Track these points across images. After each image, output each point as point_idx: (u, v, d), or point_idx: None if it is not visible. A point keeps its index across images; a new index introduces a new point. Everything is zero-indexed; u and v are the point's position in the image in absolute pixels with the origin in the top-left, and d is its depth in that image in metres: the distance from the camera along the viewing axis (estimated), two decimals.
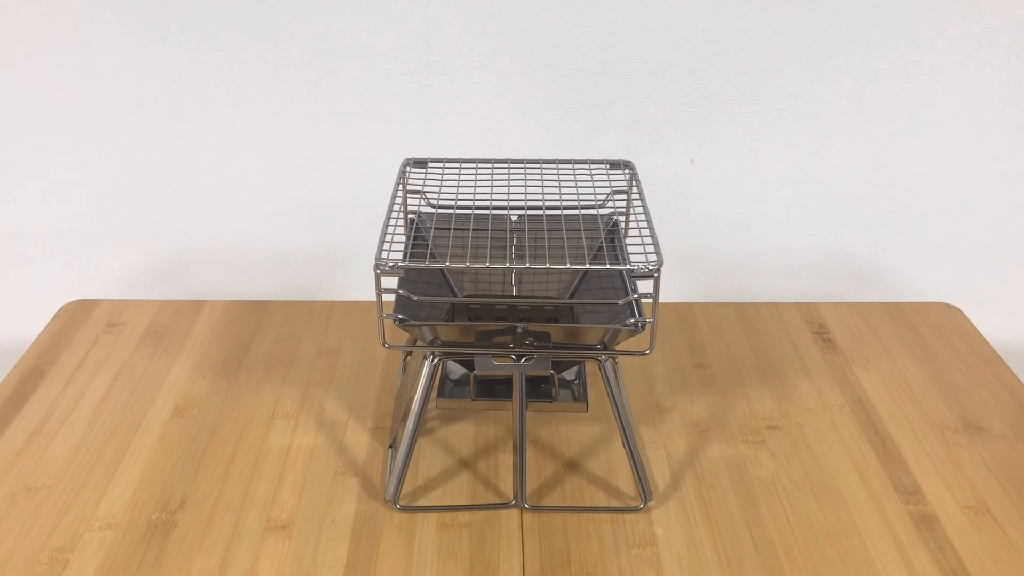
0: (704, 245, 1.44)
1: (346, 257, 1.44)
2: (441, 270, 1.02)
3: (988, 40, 1.28)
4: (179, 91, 1.30)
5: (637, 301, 0.87)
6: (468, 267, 0.80)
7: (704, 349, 1.18)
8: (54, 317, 1.23)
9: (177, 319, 1.23)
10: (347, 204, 1.39)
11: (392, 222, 0.89)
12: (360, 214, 1.38)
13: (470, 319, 0.97)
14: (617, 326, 0.85)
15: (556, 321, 0.98)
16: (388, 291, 0.85)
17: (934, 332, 1.22)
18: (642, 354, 0.86)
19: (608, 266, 0.80)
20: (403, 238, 0.95)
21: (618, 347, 0.90)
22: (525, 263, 0.82)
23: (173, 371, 1.13)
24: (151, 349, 1.17)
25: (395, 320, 0.85)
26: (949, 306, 1.27)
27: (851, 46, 1.28)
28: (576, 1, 1.25)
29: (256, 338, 1.20)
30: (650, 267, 0.81)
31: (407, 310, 0.88)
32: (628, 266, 0.81)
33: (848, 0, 1.26)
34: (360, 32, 1.26)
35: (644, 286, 0.87)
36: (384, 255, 0.82)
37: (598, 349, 0.88)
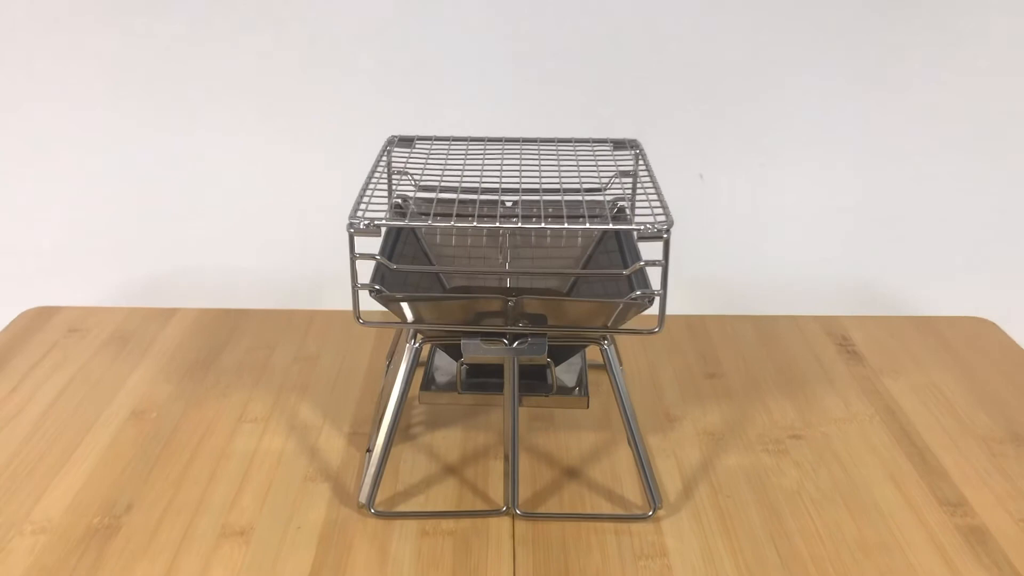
0: (716, 265, 1.34)
1: (333, 275, 1.34)
2: (429, 260, 0.93)
3: (1009, 51, 1.20)
4: (156, 95, 1.23)
5: (644, 274, 0.78)
6: (453, 225, 0.71)
7: (717, 360, 1.08)
8: (11, 322, 1.14)
9: (145, 326, 1.14)
10: (335, 219, 1.30)
11: (372, 185, 0.80)
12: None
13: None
14: (623, 299, 0.75)
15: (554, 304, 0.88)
16: (364, 256, 0.75)
17: (969, 346, 1.11)
18: (650, 332, 0.76)
19: (612, 226, 0.71)
20: (383, 214, 0.86)
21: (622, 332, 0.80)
22: (517, 223, 0.73)
23: (135, 375, 1.03)
24: (113, 353, 1.07)
25: (371, 291, 0.76)
26: (984, 320, 1.17)
27: (872, 57, 1.21)
28: None
29: (229, 345, 1.10)
30: (659, 227, 0.72)
31: (390, 289, 0.78)
32: (635, 226, 0.71)
33: (867, 13, 1.19)
34: (347, 8, 1.19)
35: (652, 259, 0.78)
36: (360, 213, 0.73)
37: (599, 330, 0.78)
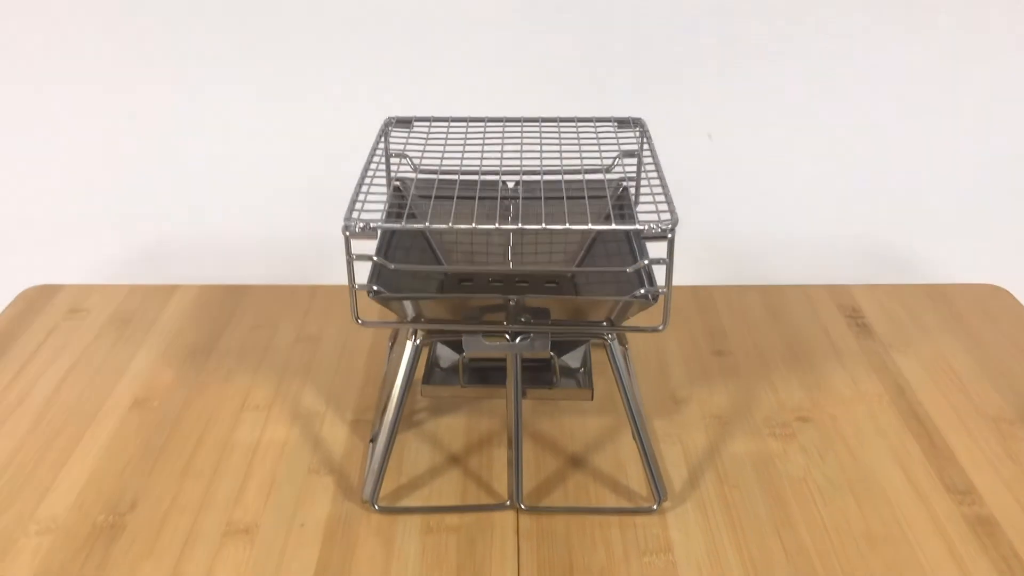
0: (723, 229, 1.32)
1: (335, 245, 1.33)
2: (429, 245, 0.91)
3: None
4: (153, 68, 1.20)
5: (648, 269, 0.76)
6: (451, 227, 0.69)
7: (725, 335, 1.07)
8: (11, 303, 1.13)
9: (146, 305, 1.13)
10: (337, 189, 1.28)
11: (368, 181, 0.78)
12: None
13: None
14: (625, 297, 0.73)
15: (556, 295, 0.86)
16: (361, 257, 0.73)
17: (981, 316, 1.10)
18: (654, 330, 0.75)
19: (614, 226, 0.69)
20: (380, 205, 0.84)
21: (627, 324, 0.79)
22: (518, 224, 0.71)
23: (136, 359, 1.02)
24: (114, 336, 1.06)
25: (369, 292, 0.74)
26: (997, 288, 1.15)
27: (883, 15, 1.16)
28: None
29: (230, 324, 1.09)
30: (663, 227, 0.69)
31: (388, 285, 0.77)
32: (637, 226, 0.69)
33: None
34: None
35: (656, 252, 0.76)
36: (356, 214, 0.71)
37: (603, 325, 0.77)
